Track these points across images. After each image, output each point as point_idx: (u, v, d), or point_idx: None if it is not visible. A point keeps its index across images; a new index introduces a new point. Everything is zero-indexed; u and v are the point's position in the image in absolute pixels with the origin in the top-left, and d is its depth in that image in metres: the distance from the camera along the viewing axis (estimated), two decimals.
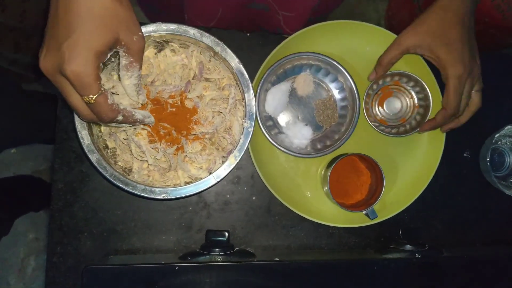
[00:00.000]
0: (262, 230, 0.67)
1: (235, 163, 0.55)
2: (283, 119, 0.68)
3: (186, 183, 0.56)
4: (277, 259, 0.57)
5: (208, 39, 0.55)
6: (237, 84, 0.58)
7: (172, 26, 0.54)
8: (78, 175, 0.63)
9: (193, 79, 0.58)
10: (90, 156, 0.52)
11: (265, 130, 0.63)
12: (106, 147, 0.57)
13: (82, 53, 0.40)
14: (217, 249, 0.57)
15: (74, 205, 0.63)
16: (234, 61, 0.56)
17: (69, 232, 0.63)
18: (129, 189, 0.53)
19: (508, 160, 0.76)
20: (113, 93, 0.49)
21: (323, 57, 0.65)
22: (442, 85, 0.64)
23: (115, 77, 0.54)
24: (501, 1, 1.00)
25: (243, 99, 0.57)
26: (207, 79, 0.59)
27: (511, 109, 0.76)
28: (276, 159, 0.68)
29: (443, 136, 0.70)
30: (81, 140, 0.52)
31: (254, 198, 0.67)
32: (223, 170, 0.55)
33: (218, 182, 0.55)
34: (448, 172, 0.72)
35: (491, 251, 0.72)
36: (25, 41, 0.96)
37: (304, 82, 0.67)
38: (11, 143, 1.31)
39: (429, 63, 0.67)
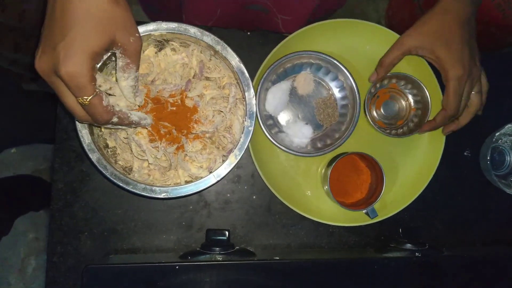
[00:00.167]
0: (262, 229, 0.67)
1: (236, 162, 0.55)
2: (283, 118, 0.68)
3: (187, 182, 0.56)
4: (277, 258, 0.57)
5: (209, 38, 0.55)
6: (237, 83, 0.58)
7: (173, 25, 0.54)
8: (78, 174, 0.63)
9: (193, 78, 0.58)
10: (90, 155, 0.52)
11: (265, 129, 0.63)
12: (107, 146, 0.57)
13: (77, 54, 0.40)
14: (217, 248, 0.57)
15: (74, 205, 0.63)
16: (235, 60, 0.56)
17: (69, 232, 0.63)
18: (129, 188, 0.53)
19: (508, 159, 0.76)
20: (110, 94, 0.49)
21: (324, 55, 0.65)
22: (443, 87, 0.64)
23: (114, 78, 0.54)
24: (502, 0, 1.00)
25: (243, 98, 0.57)
26: (207, 78, 0.59)
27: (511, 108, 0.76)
28: (277, 158, 0.68)
29: (443, 135, 0.70)
30: (82, 139, 0.52)
31: (254, 197, 0.67)
32: (223, 169, 0.55)
33: (218, 181, 0.55)
34: (448, 171, 0.72)
35: (491, 250, 0.72)
36: (25, 41, 0.96)
37: (304, 81, 0.67)
38: (11, 143, 1.31)
39: (431, 64, 0.67)
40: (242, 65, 0.56)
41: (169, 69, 0.58)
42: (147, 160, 0.56)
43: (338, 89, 0.68)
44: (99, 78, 0.45)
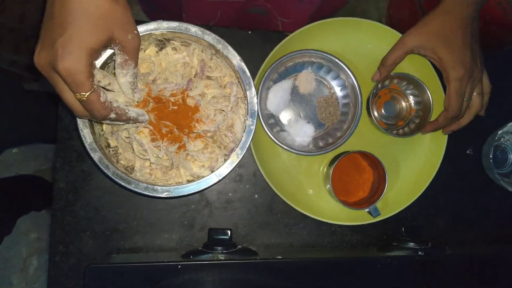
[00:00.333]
0: (264, 228, 0.67)
1: (237, 161, 0.55)
2: (285, 116, 0.68)
3: (188, 181, 0.56)
4: (280, 257, 0.57)
5: (210, 37, 0.55)
6: (238, 82, 0.58)
7: (174, 24, 0.54)
8: (80, 174, 0.63)
9: (194, 77, 0.58)
10: (92, 155, 0.52)
11: (267, 128, 0.63)
12: (108, 145, 0.57)
13: (75, 50, 0.40)
14: (219, 248, 0.57)
15: (76, 204, 0.63)
16: (236, 59, 0.56)
17: (71, 231, 0.63)
18: (131, 187, 0.53)
19: (510, 157, 0.76)
20: (109, 90, 0.49)
21: (325, 54, 0.64)
22: (446, 87, 0.64)
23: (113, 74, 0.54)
24: None
25: (245, 97, 0.57)
26: (208, 77, 0.59)
27: None
28: (278, 157, 0.68)
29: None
30: (83, 139, 0.52)
31: (256, 196, 0.67)
32: (225, 168, 0.55)
33: (220, 180, 0.55)
34: (450, 170, 0.72)
35: (494, 249, 0.72)
36: (25, 43, 0.96)
37: (306, 80, 0.67)
38: (12, 143, 1.31)
39: (434, 65, 0.67)
40: (243, 64, 0.56)
41: (170, 68, 0.57)
42: (149, 159, 0.56)
43: (339, 88, 0.68)
44: (98, 73, 0.45)
